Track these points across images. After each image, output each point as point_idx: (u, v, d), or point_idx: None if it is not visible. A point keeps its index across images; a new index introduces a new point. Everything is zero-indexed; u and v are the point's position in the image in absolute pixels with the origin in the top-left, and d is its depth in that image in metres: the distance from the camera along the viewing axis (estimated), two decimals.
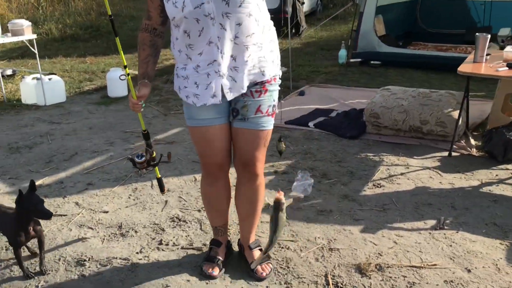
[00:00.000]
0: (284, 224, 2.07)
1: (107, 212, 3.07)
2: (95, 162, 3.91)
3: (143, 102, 2.13)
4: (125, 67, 2.37)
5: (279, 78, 2.19)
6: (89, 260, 2.54)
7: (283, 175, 3.55)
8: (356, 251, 2.55)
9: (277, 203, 2.01)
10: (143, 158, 2.27)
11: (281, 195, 2.02)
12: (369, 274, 2.34)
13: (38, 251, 2.48)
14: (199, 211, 3.03)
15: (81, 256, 2.57)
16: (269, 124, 2.16)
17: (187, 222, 2.89)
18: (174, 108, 5.48)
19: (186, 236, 2.75)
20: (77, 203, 3.21)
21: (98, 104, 5.78)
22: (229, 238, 2.58)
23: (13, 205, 2.37)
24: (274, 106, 2.16)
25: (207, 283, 2.31)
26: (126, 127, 4.81)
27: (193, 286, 2.29)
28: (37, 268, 2.44)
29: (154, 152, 2.35)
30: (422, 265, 2.41)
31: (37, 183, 3.51)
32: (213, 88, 2.00)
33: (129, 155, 2.30)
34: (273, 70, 2.12)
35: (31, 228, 2.35)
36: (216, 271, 2.36)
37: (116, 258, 2.54)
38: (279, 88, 2.20)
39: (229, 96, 2.03)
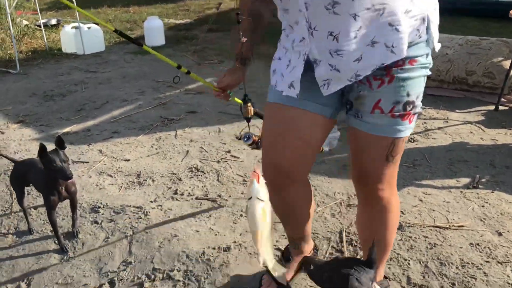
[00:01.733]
0: (257, 218, 1.35)
1: (128, 160, 3.06)
2: (124, 111, 3.90)
3: (230, 91, 1.68)
4: (178, 67, 1.97)
5: (427, 57, 1.36)
6: (103, 207, 2.54)
7: None
8: None
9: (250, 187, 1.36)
10: (251, 140, 1.99)
11: (254, 176, 1.36)
12: None
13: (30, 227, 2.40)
14: (218, 162, 2.95)
15: (97, 203, 2.58)
16: (395, 130, 1.37)
17: (205, 173, 2.82)
18: (208, 58, 5.37)
19: (202, 186, 2.68)
20: (100, 151, 3.21)
21: (134, 54, 5.75)
22: (310, 254, 1.91)
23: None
24: (408, 104, 1.35)
25: (216, 235, 2.25)
26: (158, 77, 4.77)
27: (202, 237, 2.24)
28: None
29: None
30: (447, 226, 2.22)
31: (65, 130, 3.56)
32: (294, 75, 1.40)
33: (237, 136, 2.13)
34: (411, 43, 1.30)
35: (63, 189, 2.19)
36: None
37: (130, 206, 2.53)
38: (425, 73, 1.38)
39: (326, 91, 1.37)
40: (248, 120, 1.90)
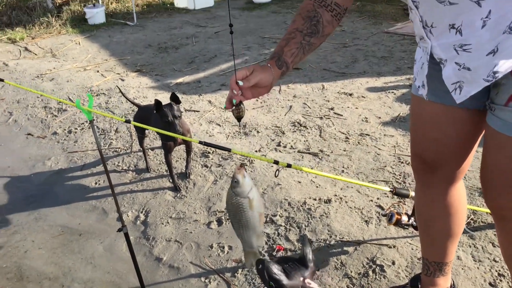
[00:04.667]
0: (260, 201, 1.21)
1: None
2: (231, 65, 4.05)
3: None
4: (276, 163, 1.72)
5: None
6: (213, 153, 2.73)
7: None
8: None
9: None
10: (394, 219, 1.89)
11: (240, 170, 1.18)
12: None
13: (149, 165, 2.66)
14: (321, 118, 3.00)
15: (206, 149, 2.77)
16: None
17: (307, 128, 2.90)
18: None
19: (304, 141, 2.77)
20: (209, 101, 3.40)
21: (242, 10, 5.88)
22: None
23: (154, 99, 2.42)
24: None
25: (317, 187, 2.33)
26: (264, 33, 4.85)
27: (303, 188, 2.33)
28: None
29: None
30: None
31: (178, 81, 3.80)
32: (423, 74, 1.22)
33: (382, 213, 2.15)
34: None
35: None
36: None
37: (236, 154, 2.68)
38: None
39: (458, 97, 1.12)
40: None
